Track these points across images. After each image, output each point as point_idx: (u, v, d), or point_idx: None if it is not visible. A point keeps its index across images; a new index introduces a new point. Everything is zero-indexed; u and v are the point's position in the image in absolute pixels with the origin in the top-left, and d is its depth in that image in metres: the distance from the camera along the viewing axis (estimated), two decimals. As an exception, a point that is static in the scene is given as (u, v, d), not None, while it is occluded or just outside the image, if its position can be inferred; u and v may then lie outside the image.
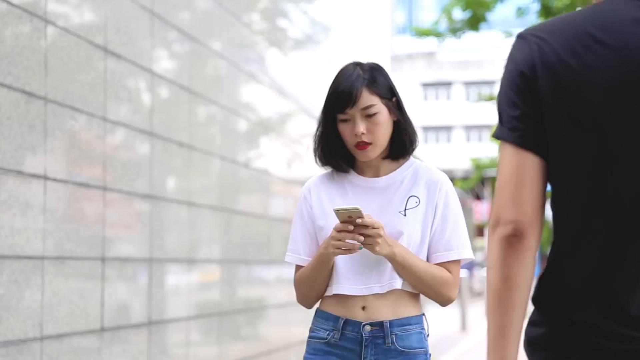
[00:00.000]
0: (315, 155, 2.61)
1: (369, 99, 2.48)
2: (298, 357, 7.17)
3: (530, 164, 1.55)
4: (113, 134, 4.55)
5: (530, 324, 1.61)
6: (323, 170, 2.67)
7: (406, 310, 2.51)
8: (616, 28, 1.54)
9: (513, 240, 1.54)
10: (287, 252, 2.63)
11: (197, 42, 5.60)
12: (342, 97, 2.47)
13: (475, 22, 10.89)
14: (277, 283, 7.14)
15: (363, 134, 2.46)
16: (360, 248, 2.41)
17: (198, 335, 5.49)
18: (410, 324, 2.50)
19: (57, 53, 4.01)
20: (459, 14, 10.98)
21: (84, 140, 4.26)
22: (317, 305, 2.64)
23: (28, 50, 3.77)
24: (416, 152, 2.64)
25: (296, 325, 7.06)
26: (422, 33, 11.34)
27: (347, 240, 2.40)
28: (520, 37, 1.61)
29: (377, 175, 2.58)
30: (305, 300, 2.63)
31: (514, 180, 1.55)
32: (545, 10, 10.30)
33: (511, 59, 1.61)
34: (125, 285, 4.65)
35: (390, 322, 2.48)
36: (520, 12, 11.25)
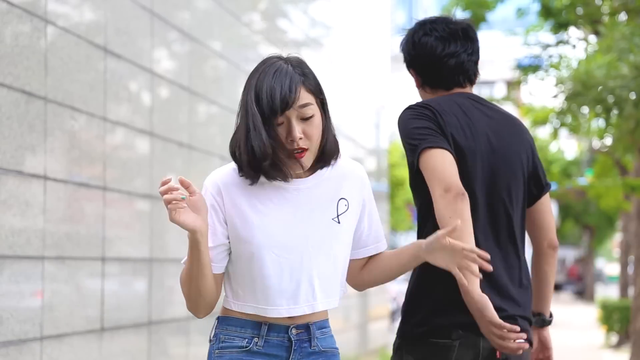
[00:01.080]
0: (243, 162, 2.18)
1: (306, 97, 2.16)
2: (298, 357, 7.17)
3: (449, 157, 2.54)
4: (113, 133, 4.55)
5: None
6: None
7: (324, 312, 2.30)
8: (465, 109, 2.68)
9: (463, 197, 2.46)
10: (185, 255, 2.21)
11: (197, 42, 5.60)
12: (280, 97, 2.12)
13: (475, 23, 10.87)
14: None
15: (300, 138, 2.14)
16: (183, 198, 2.10)
17: (198, 335, 5.49)
18: (325, 327, 2.30)
19: (57, 53, 4.01)
20: (459, 15, 10.96)
21: (84, 140, 4.26)
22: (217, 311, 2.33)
23: (28, 50, 3.77)
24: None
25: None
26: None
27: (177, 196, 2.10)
28: (417, 105, 2.67)
29: (299, 176, 2.23)
30: (192, 305, 2.23)
31: (447, 165, 2.51)
32: (546, 11, 10.29)
33: (415, 114, 2.64)
34: (125, 285, 4.65)
35: (316, 324, 2.26)
36: (520, 12, 11.23)
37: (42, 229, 3.83)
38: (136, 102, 4.85)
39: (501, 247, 2.65)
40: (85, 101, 4.24)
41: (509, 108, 14.00)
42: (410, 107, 2.67)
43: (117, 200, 4.58)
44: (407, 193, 24.98)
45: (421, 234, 2.62)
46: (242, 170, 2.20)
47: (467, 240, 2.39)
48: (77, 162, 4.18)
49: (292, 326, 2.23)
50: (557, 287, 34.65)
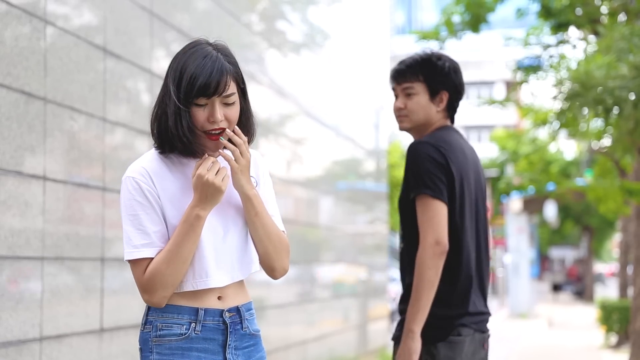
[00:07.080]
0: (167, 136, 2.29)
1: (232, 86, 2.30)
2: (298, 357, 7.16)
3: (445, 210, 2.99)
4: (112, 134, 4.55)
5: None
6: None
7: (247, 294, 2.42)
8: (453, 147, 3.09)
9: (443, 255, 2.96)
10: (134, 248, 2.27)
11: (196, 43, 5.61)
12: (207, 83, 2.24)
13: (475, 24, 10.86)
14: (277, 283, 7.14)
15: (221, 121, 2.28)
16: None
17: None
18: (251, 309, 2.41)
19: (57, 53, 4.01)
20: (458, 17, 10.95)
21: (84, 141, 4.26)
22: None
23: (27, 50, 3.77)
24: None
25: (296, 325, 7.05)
26: (425, 37, 11.29)
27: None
28: (433, 146, 3.04)
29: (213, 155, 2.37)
30: (170, 289, 2.29)
31: (442, 219, 2.97)
32: (545, 11, 10.28)
33: (430, 157, 3.01)
34: (125, 285, 4.65)
35: (243, 306, 2.37)
36: (520, 13, 11.22)
37: (42, 229, 3.83)
38: (136, 102, 4.85)
39: (482, 259, 3.15)
40: (85, 101, 4.24)
41: (509, 109, 14.00)
42: (429, 143, 3.04)
43: (117, 201, 4.58)
44: (406, 193, 24.93)
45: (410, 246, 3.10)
46: (161, 146, 2.31)
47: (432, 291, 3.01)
48: (77, 163, 4.19)
49: (224, 310, 2.33)
50: (557, 288, 34.61)
